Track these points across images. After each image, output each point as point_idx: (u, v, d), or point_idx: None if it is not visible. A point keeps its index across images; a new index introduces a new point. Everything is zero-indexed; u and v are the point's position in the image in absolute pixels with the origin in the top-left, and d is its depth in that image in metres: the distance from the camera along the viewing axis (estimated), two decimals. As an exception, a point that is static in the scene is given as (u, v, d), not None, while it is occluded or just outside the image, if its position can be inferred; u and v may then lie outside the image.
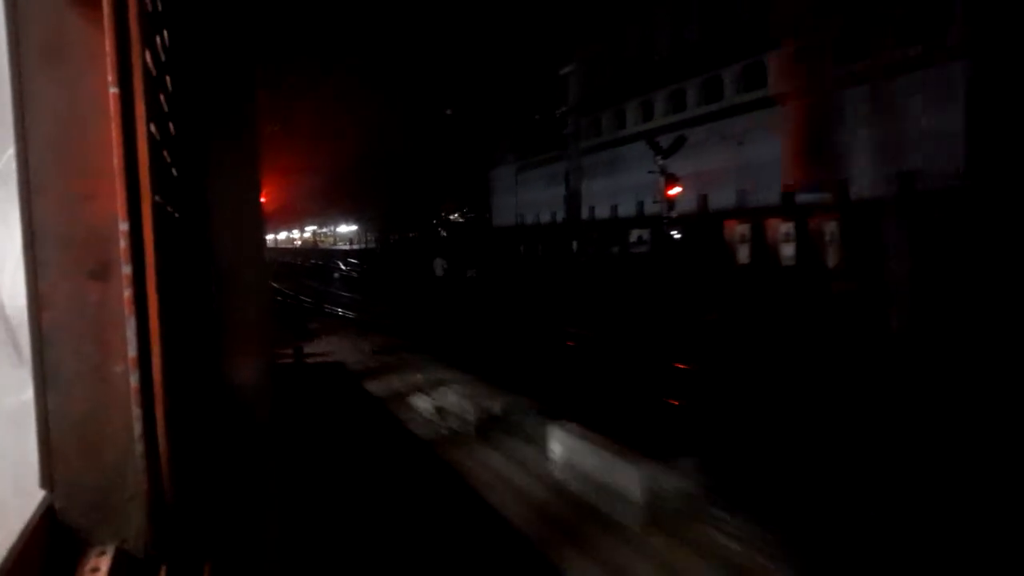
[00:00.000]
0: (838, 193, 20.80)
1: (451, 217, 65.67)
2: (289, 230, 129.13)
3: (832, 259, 22.80)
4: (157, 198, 2.13)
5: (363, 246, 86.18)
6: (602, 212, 44.07)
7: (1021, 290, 14.40)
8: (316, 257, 78.43)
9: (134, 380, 2.06)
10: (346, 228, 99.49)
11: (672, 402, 11.43)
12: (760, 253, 27.26)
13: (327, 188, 78.47)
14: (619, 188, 43.38)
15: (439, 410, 9.75)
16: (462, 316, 23.77)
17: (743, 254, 28.57)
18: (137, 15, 2.02)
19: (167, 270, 2.19)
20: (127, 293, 2.07)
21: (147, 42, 2.15)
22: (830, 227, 23.06)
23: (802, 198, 26.07)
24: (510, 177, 58.43)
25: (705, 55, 36.77)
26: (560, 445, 7.00)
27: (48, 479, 2.22)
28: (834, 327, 14.49)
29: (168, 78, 2.34)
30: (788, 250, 25.23)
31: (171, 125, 2.34)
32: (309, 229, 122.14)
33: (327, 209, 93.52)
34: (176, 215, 2.31)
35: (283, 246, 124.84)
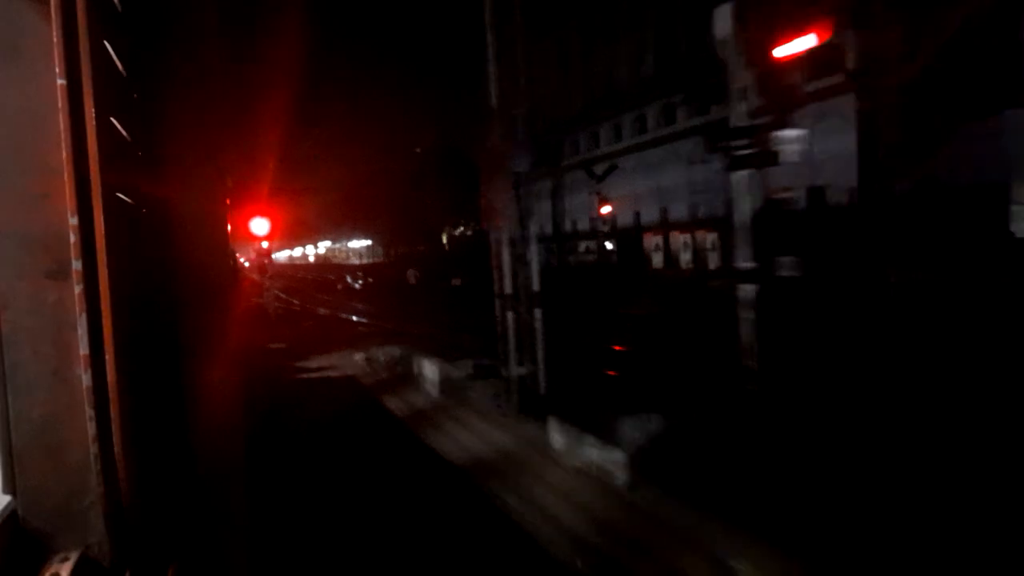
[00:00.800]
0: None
1: (456, 231, 66.26)
2: (304, 245, 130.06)
3: (712, 263, 30.08)
4: (115, 193, 2.07)
5: (372, 260, 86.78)
6: (583, 226, 46.58)
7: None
8: (326, 271, 79.60)
9: (86, 380, 1.99)
10: (358, 243, 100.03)
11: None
12: (668, 259, 34.92)
13: (341, 204, 78.97)
14: (584, 205, 46.21)
15: (368, 359, 16.63)
16: (417, 310, 29.05)
17: (657, 260, 36.11)
18: (85, 5, 1.97)
19: (122, 267, 2.12)
20: (78, 289, 2.01)
21: (99, 33, 2.09)
22: (711, 238, 30.64)
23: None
24: (508, 193, 60.83)
25: (639, 94, 42.00)
26: (420, 365, 13.26)
27: (11, 484, 2.17)
28: (706, 316, 17.09)
29: (123, 70, 2.29)
30: (686, 256, 32.76)
31: (127, 118, 2.29)
32: (323, 245, 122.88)
33: (341, 225, 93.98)
34: (133, 211, 2.26)
35: (298, 262, 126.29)
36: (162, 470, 2.21)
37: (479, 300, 13.75)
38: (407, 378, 13.64)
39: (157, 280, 2.28)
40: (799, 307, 12.14)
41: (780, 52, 9.40)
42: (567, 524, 6.55)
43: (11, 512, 2.16)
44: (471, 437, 9.58)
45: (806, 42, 9.14)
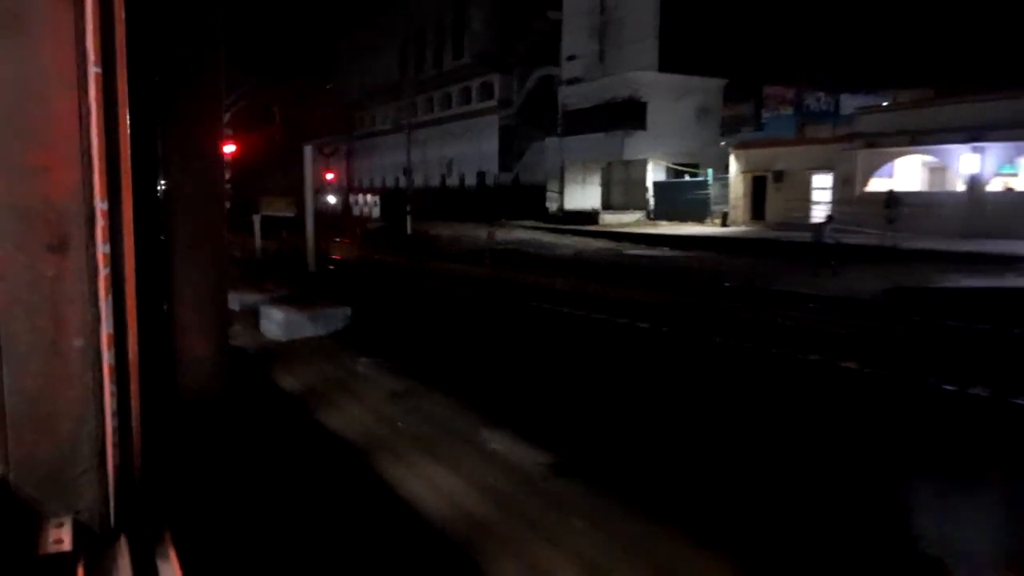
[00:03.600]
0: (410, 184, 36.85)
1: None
2: None
3: (376, 212, 45.75)
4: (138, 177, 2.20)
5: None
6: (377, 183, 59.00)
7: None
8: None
9: (109, 358, 2.12)
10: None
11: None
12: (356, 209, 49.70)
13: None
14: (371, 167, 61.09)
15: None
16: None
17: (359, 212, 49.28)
18: None
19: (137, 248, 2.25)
20: (105, 272, 2.11)
21: (131, 23, 2.19)
22: (375, 198, 47.57)
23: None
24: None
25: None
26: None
27: (3, 453, 2.18)
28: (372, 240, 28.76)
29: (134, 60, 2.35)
30: (376, 212, 46.01)
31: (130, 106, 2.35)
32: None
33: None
34: (145, 193, 2.34)
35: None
36: (156, 439, 2.35)
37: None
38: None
39: (153, 257, 2.39)
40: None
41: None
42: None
43: (2, 480, 2.18)
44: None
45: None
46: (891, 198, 22.98)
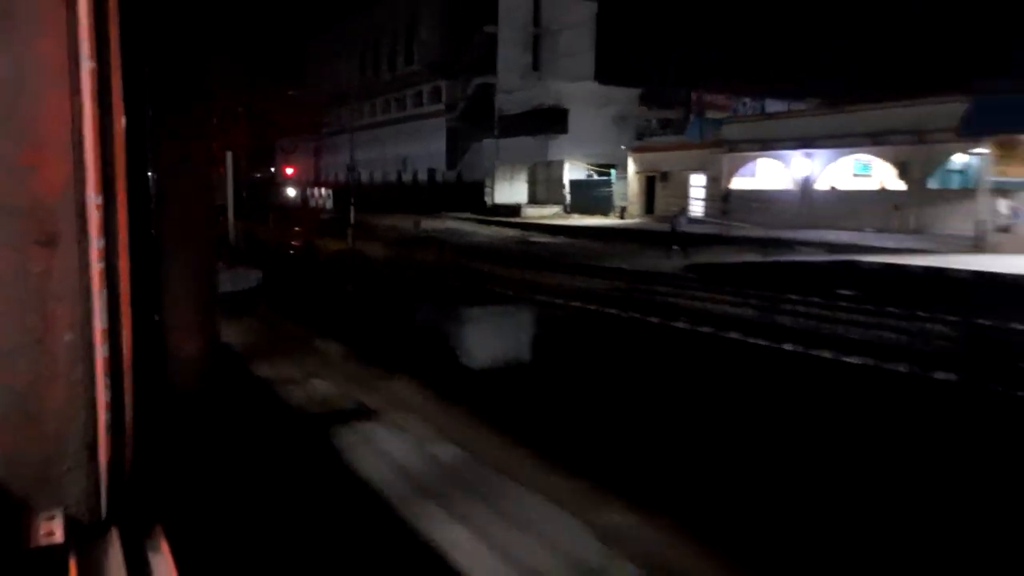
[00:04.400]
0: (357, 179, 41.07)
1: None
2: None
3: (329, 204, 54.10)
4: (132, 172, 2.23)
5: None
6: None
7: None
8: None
9: (103, 352, 2.14)
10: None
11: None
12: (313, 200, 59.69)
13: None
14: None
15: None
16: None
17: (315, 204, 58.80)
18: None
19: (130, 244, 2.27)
20: (99, 267, 2.12)
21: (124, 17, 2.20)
22: (329, 192, 57.07)
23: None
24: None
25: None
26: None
27: (-9, 449, 2.15)
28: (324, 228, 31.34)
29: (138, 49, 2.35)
30: (329, 204, 53.72)
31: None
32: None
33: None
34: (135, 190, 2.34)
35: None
36: (147, 435, 2.36)
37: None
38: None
39: (142, 254, 2.39)
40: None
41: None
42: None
43: (-11, 476, 2.15)
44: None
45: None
46: (727, 195, 30.04)
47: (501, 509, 4.13)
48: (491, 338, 11.86)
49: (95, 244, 2.11)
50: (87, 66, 2.09)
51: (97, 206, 2.12)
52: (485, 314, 13.37)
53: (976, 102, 22.01)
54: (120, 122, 2.17)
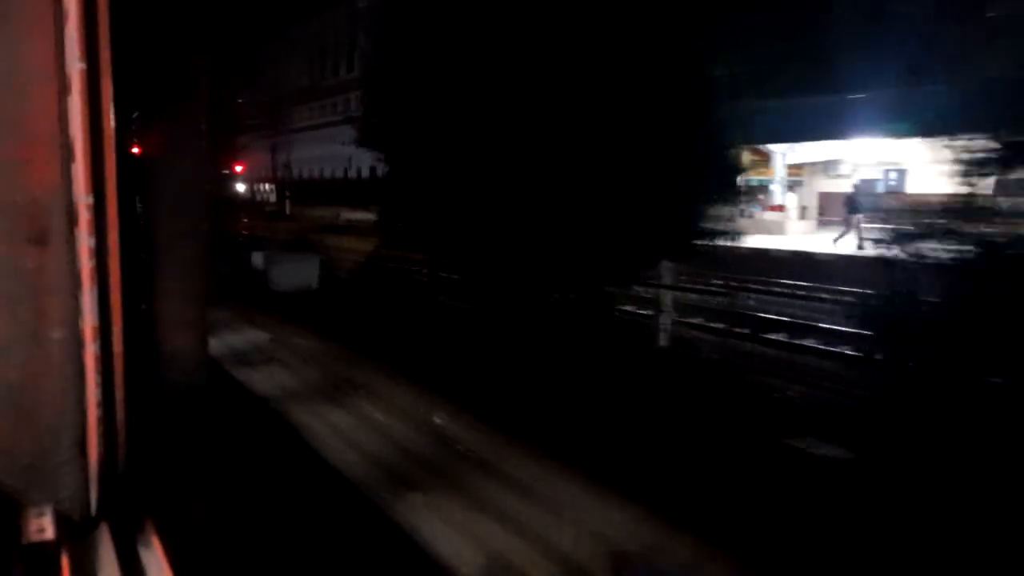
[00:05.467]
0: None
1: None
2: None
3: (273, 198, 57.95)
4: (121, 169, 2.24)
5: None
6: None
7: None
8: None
9: (94, 349, 2.17)
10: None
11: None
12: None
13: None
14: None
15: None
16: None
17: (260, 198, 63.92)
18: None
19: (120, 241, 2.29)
20: (90, 264, 2.15)
21: (115, 18, 2.22)
22: (273, 187, 60.03)
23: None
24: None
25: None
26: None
27: (-17, 444, 2.17)
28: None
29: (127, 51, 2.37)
30: (273, 197, 57.80)
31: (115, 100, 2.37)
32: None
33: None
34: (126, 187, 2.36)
35: None
36: (139, 431, 2.38)
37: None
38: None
39: (136, 250, 2.42)
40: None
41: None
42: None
43: (-20, 471, 2.17)
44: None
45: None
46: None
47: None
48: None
49: (86, 242, 2.13)
50: (77, 67, 2.12)
51: (87, 205, 2.14)
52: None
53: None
54: (110, 122, 2.18)
